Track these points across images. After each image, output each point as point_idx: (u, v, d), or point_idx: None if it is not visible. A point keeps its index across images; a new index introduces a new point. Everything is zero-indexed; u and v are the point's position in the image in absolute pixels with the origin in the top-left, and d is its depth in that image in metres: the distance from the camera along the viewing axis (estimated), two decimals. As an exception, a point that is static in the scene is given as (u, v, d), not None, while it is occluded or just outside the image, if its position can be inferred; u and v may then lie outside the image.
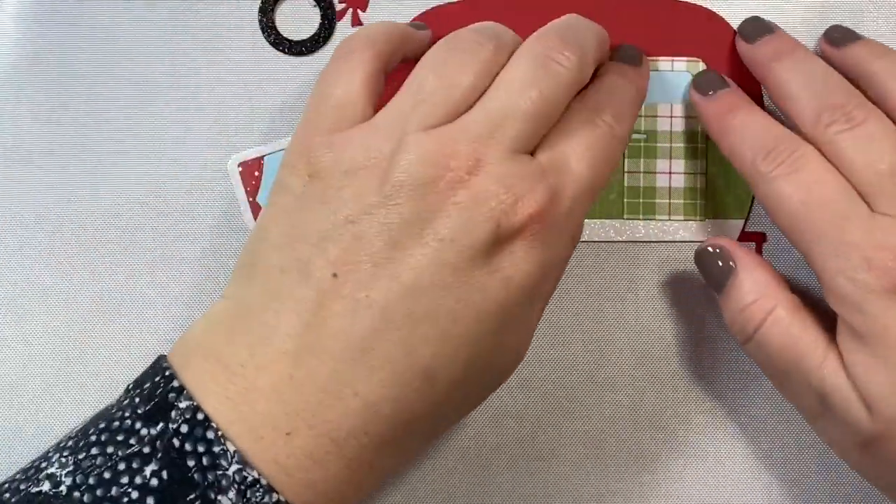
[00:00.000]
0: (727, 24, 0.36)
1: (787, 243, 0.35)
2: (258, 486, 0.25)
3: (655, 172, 0.36)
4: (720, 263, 0.32)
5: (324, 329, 0.27)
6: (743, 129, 0.31)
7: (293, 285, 0.27)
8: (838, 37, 0.34)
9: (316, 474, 0.26)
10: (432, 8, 0.36)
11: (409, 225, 0.27)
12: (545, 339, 0.36)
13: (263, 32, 0.37)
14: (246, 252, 0.29)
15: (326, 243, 0.27)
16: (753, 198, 0.36)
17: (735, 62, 0.35)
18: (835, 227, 0.28)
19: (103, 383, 0.36)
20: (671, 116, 0.36)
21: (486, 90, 0.29)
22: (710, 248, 0.33)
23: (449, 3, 0.36)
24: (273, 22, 0.37)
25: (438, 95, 0.28)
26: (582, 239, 0.36)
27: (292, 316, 0.27)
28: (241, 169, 0.35)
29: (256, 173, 0.35)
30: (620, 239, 0.36)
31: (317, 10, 0.37)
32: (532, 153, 0.29)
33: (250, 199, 0.35)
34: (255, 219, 0.35)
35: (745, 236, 0.36)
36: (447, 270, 0.27)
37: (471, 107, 0.29)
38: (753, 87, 0.35)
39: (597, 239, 0.36)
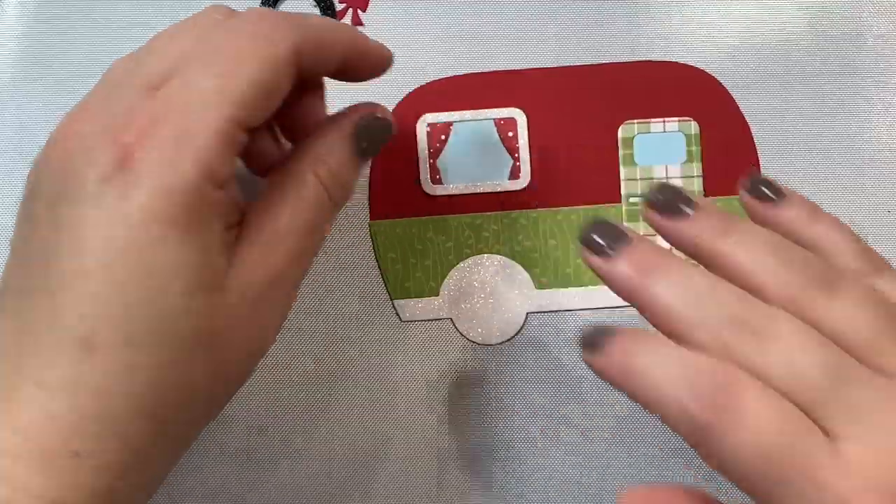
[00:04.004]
0: (719, 83, 0.36)
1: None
2: None
3: (656, 235, 0.36)
4: None
5: None
6: (654, 367, 0.24)
7: None
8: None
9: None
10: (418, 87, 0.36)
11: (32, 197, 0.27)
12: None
13: (263, 31, 0.36)
14: None
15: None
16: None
17: (728, 121, 0.36)
18: (799, 469, 0.23)
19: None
20: (667, 178, 0.36)
21: None
22: None
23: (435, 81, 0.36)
24: (273, 20, 0.36)
25: None
26: (586, 306, 0.36)
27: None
28: (428, 129, 0.36)
29: (443, 137, 0.36)
30: (627, 303, 0.35)
31: (317, 11, 0.37)
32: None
33: (431, 161, 0.36)
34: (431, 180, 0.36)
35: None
36: (64, 220, 0.26)
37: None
38: (750, 155, 0.35)
39: (601, 305, 0.36)
